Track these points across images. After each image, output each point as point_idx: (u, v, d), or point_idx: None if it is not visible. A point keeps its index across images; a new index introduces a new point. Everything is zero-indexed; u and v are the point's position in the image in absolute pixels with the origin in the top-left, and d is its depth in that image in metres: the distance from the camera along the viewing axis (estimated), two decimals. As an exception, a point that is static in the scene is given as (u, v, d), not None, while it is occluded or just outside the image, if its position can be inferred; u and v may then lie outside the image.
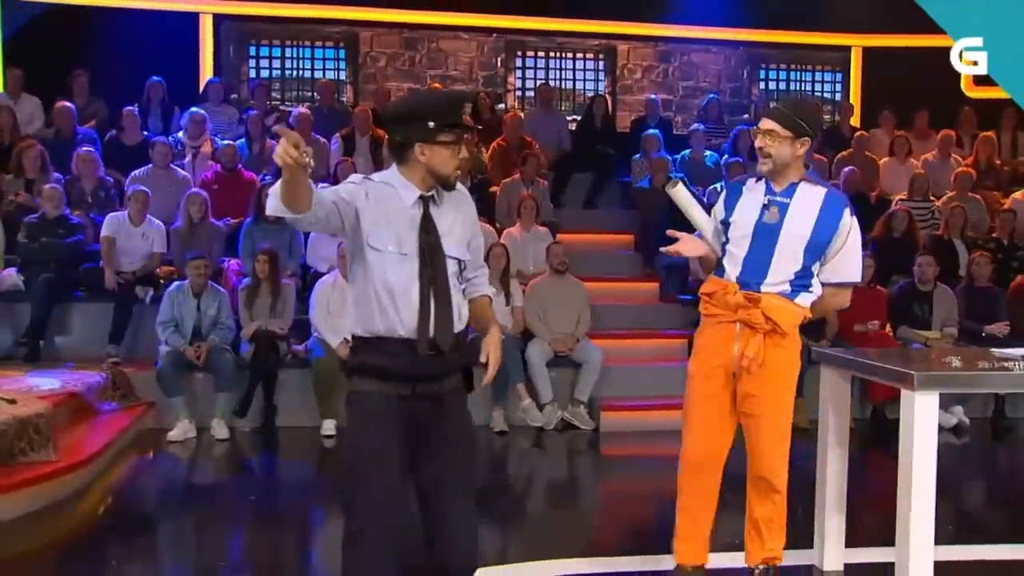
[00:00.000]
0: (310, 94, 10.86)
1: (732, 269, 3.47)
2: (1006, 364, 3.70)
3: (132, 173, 8.20)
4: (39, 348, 7.05)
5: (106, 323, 7.18)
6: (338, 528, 4.97)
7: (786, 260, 3.41)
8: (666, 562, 4.01)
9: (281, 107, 10.42)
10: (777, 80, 11.90)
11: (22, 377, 6.12)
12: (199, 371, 6.69)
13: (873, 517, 4.65)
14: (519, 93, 11.41)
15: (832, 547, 4.06)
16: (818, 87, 11.99)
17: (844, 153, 9.86)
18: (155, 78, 9.44)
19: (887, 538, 4.14)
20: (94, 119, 9.34)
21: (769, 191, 3.48)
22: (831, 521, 4.04)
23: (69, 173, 8.18)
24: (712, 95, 10.77)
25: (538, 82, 11.14)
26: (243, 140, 8.97)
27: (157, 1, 10.12)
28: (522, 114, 10.09)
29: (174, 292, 6.73)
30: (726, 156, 9.48)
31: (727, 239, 3.51)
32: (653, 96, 10.77)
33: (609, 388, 7.22)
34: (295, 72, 10.95)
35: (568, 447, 6.82)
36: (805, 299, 3.47)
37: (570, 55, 11.53)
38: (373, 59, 11.04)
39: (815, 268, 3.47)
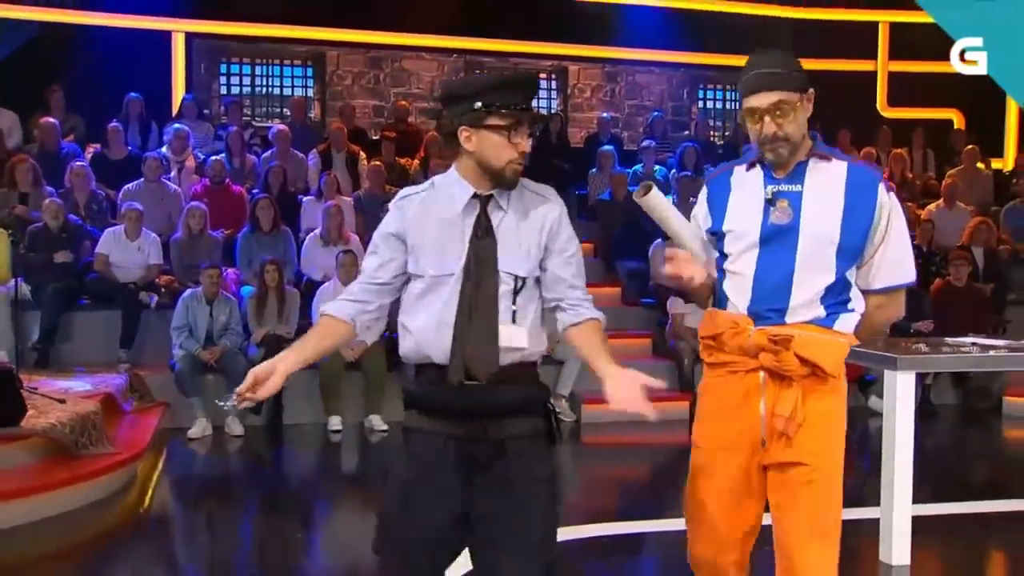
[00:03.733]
0: (279, 110, 11.33)
1: (739, 297, 2.58)
2: (962, 349, 4.54)
3: (125, 187, 8.56)
4: (48, 354, 7.39)
5: (110, 330, 7.55)
6: (345, 513, 5.71)
7: (813, 272, 2.52)
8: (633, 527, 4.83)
9: (253, 123, 10.84)
10: (715, 99, 12.85)
11: (49, 380, 6.48)
12: (212, 373, 7.14)
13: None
14: (477, 110, 12.06)
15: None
16: (751, 107, 12.99)
17: (778, 168, 10.81)
18: (133, 94, 9.80)
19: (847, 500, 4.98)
20: (72, 134, 9.64)
21: (769, 179, 2.57)
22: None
23: (60, 187, 8.50)
24: (657, 113, 11.63)
25: (496, 100, 11.82)
26: (224, 155, 9.39)
27: (130, 19, 10.43)
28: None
29: (188, 299, 7.16)
30: (674, 171, 10.30)
31: (724, 254, 2.63)
32: (605, 114, 11.57)
33: (587, 383, 7.92)
34: (264, 89, 11.40)
35: (552, 438, 7.50)
36: (847, 322, 2.57)
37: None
38: (339, 77, 11.56)
39: (851, 274, 2.58)
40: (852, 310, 2.57)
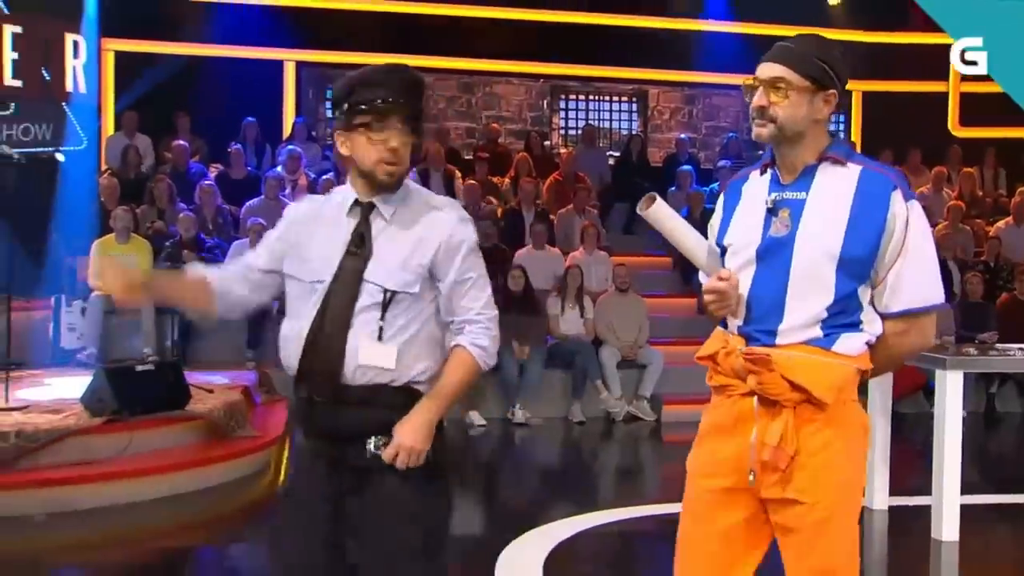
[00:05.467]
0: (379, 132, 12.25)
1: (734, 316, 2.35)
2: (1008, 352, 5.12)
3: (247, 204, 9.50)
4: (185, 352, 8.31)
5: (238, 332, 8.46)
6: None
7: (808, 291, 2.25)
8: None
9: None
10: (789, 121, 13.40)
11: (191, 374, 7.35)
12: (331, 371, 7.98)
13: (898, 481, 6.03)
14: (562, 132, 12.86)
15: (879, 492, 5.44)
16: (824, 127, 13.53)
17: (850, 186, 11.36)
18: (250, 119, 10.79)
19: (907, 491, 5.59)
20: (197, 155, 10.65)
21: (775, 185, 2.32)
22: (878, 472, 5.42)
23: (189, 203, 9.47)
24: (732, 134, 12.25)
25: (580, 122, 12.62)
26: (332, 173, 10.28)
27: (247, 51, 11.44)
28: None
29: (309, 305, 8.02)
30: (749, 189, 10.90)
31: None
32: (683, 135, 12.24)
33: (666, 386, 8.58)
34: (366, 112, 12.35)
35: (634, 435, 8.19)
36: (850, 343, 2.26)
37: (607, 98, 13.03)
38: (434, 101, 12.45)
39: (864, 293, 2.28)
40: (860, 330, 2.27)
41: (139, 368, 5.86)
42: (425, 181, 10.41)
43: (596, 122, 12.84)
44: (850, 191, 2.24)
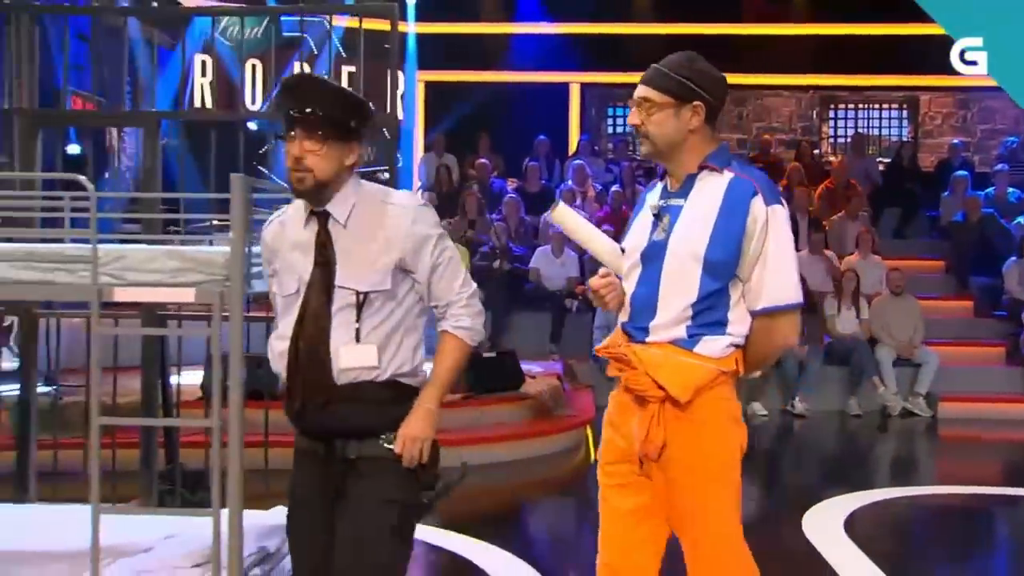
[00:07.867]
0: (656, 145, 13.25)
1: (623, 315, 2.54)
2: None
3: (544, 216, 10.71)
4: (497, 345, 9.59)
5: (542, 327, 9.66)
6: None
7: (676, 290, 2.43)
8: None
9: (635, 156, 12.78)
10: (1073, 120, 13.12)
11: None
12: (625, 363, 9.00)
13: None
14: (832, 140, 13.29)
15: None
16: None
17: None
18: (542, 136, 12.04)
19: None
20: (496, 171, 12.03)
21: (664, 193, 2.52)
22: None
23: (496, 214, 10.81)
24: (1012, 139, 12.20)
25: (848, 130, 13.01)
26: (618, 185, 11.31)
27: (537, 75, 12.75)
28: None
29: (606, 304, 9.09)
30: (1026, 193, 10.94)
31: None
32: (956, 141, 12.34)
33: (942, 385, 8.96)
34: (643, 127, 13.38)
35: (910, 429, 8.66)
36: (712, 345, 2.42)
37: (876, 106, 13.32)
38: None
39: (734, 292, 2.45)
40: (725, 332, 2.43)
41: (485, 355, 7.10)
42: (701, 191, 11.26)
43: (865, 130, 13.16)
44: (719, 197, 2.41)
